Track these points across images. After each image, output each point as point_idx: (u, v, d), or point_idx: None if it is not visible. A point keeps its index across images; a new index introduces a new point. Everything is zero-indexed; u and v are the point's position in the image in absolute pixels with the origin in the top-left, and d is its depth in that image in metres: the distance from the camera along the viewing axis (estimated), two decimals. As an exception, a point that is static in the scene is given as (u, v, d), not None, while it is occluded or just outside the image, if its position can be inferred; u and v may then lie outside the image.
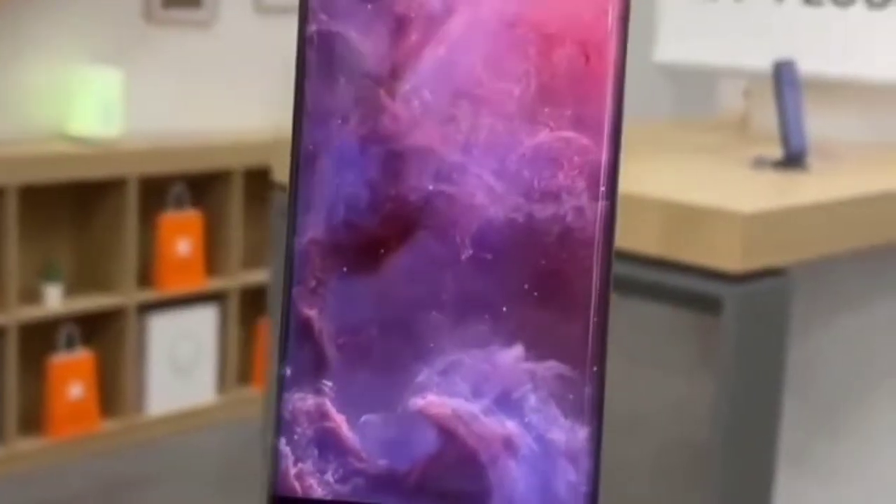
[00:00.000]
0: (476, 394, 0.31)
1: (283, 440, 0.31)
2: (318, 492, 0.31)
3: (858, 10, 2.19)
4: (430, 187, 0.32)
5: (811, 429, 2.20)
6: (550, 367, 0.31)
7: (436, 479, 0.31)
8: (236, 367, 3.65)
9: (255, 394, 3.61)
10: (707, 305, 1.56)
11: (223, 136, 3.59)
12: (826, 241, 1.63)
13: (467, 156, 0.32)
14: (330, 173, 0.32)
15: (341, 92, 0.33)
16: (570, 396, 0.31)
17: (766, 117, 2.30)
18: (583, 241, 0.31)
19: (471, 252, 0.31)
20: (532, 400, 0.31)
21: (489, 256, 0.31)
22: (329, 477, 0.31)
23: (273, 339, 2.23)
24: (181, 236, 3.45)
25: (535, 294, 0.31)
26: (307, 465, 0.31)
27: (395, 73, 0.32)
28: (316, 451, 0.31)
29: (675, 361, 3.86)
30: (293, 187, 0.33)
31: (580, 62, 0.31)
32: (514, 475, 0.31)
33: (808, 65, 2.16)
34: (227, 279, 3.56)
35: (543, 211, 0.31)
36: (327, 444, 0.31)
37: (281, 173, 2.05)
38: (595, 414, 0.31)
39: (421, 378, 0.31)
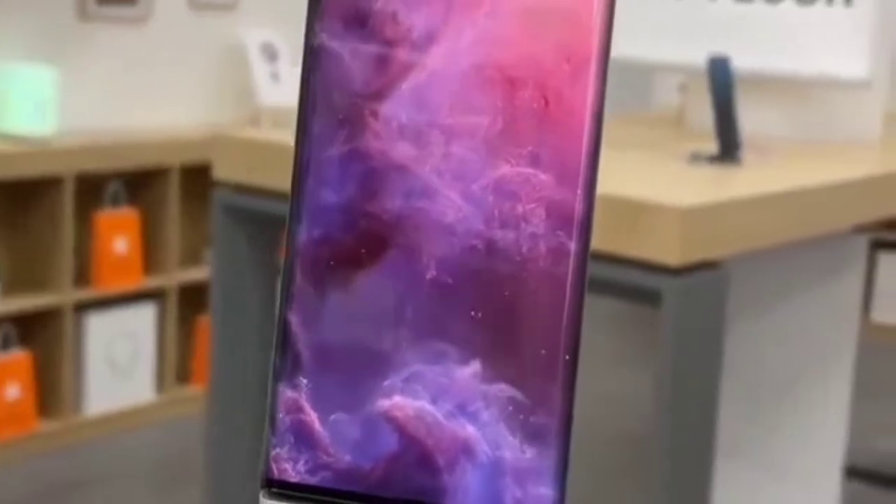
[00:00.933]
0: (435, 401, 0.33)
1: (268, 423, 0.34)
2: (292, 476, 0.33)
3: (788, 6, 2.23)
4: (403, 208, 0.33)
5: (748, 418, 2.24)
6: (502, 390, 0.32)
7: (397, 478, 0.33)
8: (175, 365, 3.63)
9: (195, 392, 3.59)
10: (647, 299, 1.58)
11: (159, 133, 3.56)
12: (761, 233, 1.66)
13: (438, 181, 0.33)
14: (315, 187, 0.34)
15: (333, 108, 0.34)
16: (521, 417, 0.33)
17: (702, 112, 2.34)
18: (538, 274, 0.33)
19: (434, 273, 0.33)
20: (485, 416, 0.33)
21: (450, 280, 0.33)
22: (300, 466, 0.33)
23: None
24: (118, 234, 3.42)
25: (490, 319, 0.33)
26: (283, 451, 0.33)
27: (379, 95, 0.34)
28: (291, 439, 0.33)
29: (613, 354, 3.90)
30: (290, 198, 0.35)
31: (540, 105, 0.33)
32: (470, 481, 0.32)
33: (742, 61, 2.20)
34: (165, 277, 3.53)
35: (502, 241, 0.33)
36: (301, 435, 0.33)
37: (221, 170, 2.04)
38: (554, 439, 0.33)
39: (387, 383, 0.33)
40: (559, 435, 0.33)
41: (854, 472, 2.98)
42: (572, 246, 0.33)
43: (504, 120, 0.33)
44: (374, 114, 0.34)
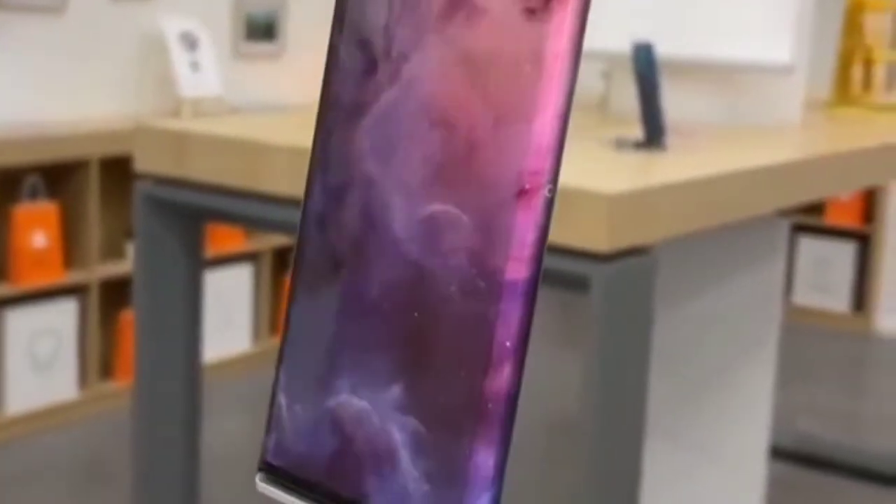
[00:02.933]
0: (373, 407, 0.34)
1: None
2: (269, 457, 0.35)
3: (711, -8, 2.24)
4: (362, 225, 0.34)
5: (676, 401, 2.26)
6: (409, 422, 0.33)
7: (336, 474, 0.34)
8: (98, 361, 3.57)
9: (118, 388, 3.54)
10: (575, 285, 1.58)
11: (77, 125, 3.50)
12: (688, 218, 1.67)
13: (393, 203, 0.34)
14: (308, 195, 0.36)
15: (332, 113, 0.35)
16: (423, 452, 0.33)
17: (626, 98, 2.35)
18: (456, 316, 0.33)
19: (377, 293, 0.34)
20: (399, 440, 0.33)
21: (386, 305, 0.33)
22: (272, 447, 0.35)
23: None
24: (37, 229, 3.36)
25: (412, 351, 0.33)
26: (269, 434, 0.36)
27: (361, 108, 0.35)
28: (272, 422, 0.36)
29: (542, 340, 3.92)
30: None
31: (469, 152, 0.33)
32: (393, 489, 0.33)
33: (665, 47, 2.21)
34: (86, 272, 3.47)
35: (433, 273, 0.33)
36: (276, 419, 0.35)
37: (143, 161, 2.00)
38: (457, 483, 0.32)
39: (338, 381, 0.35)
40: (462, 480, 0.32)
41: (778, 453, 3.02)
42: (494, 295, 0.32)
43: (444, 158, 0.33)
44: (355, 126, 0.35)
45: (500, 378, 0.32)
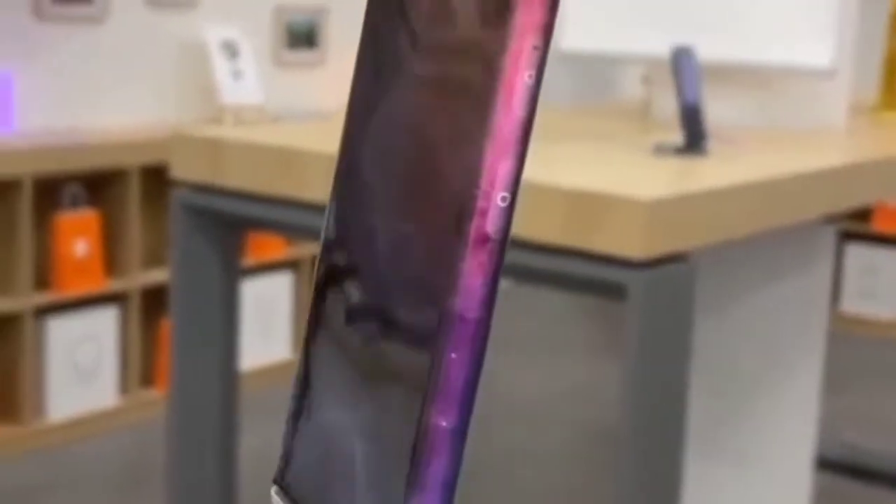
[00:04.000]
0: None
1: None
2: (277, 474, 0.36)
3: (753, -5, 2.21)
4: (351, 236, 0.34)
5: (718, 412, 2.22)
6: (367, 447, 0.33)
7: (309, 487, 0.35)
8: (139, 369, 3.58)
9: (158, 396, 3.55)
10: (611, 293, 1.55)
11: (119, 133, 3.51)
12: (728, 225, 1.63)
13: (373, 219, 0.34)
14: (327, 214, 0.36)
15: (349, 115, 0.35)
16: (375, 476, 0.33)
17: (666, 103, 2.32)
18: (401, 350, 0.32)
19: (344, 319, 0.34)
20: (358, 462, 0.33)
21: (353, 331, 0.33)
22: (281, 463, 0.36)
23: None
24: (78, 237, 3.37)
25: (369, 378, 0.33)
26: (282, 448, 0.37)
27: (369, 113, 0.34)
28: (283, 439, 0.37)
29: (587, 345, 3.88)
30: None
31: (423, 171, 0.32)
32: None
33: (706, 51, 2.17)
34: (126, 280, 3.48)
35: (393, 303, 0.32)
36: (284, 436, 0.37)
37: (179, 169, 2.00)
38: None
39: (314, 408, 0.35)
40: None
41: (824, 464, 2.97)
42: (441, 333, 0.31)
43: (407, 176, 0.32)
44: (363, 131, 0.34)
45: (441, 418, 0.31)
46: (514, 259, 1.59)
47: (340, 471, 0.33)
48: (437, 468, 0.31)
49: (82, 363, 3.42)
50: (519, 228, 1.57)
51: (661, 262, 1.52)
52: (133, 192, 3.44)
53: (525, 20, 0.29)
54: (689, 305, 1.57)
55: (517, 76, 0.30)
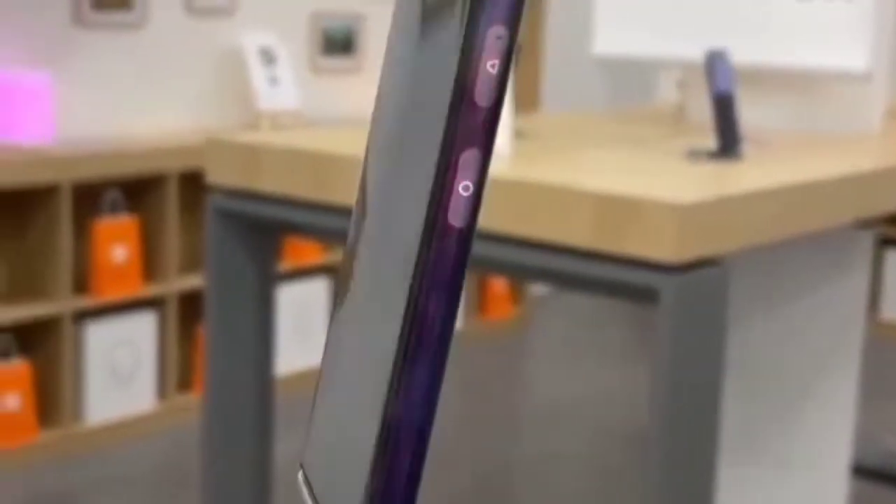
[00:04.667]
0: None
1: None
2: (303, 459, 0.39)
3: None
4: (354, 235, 0.36)
5: (754, 417, 2.21)
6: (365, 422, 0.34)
7: (317, 467, 0.36)
8: (176, 373, 3.61)
9: (196, 400, 3.57)
10: (644, 296, 1.55)
11: (157, 139, 3.54)
12: (761, 229, 1.63)
13: (368, 212, 0.35)
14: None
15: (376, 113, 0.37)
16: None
17: (701, 107, 2.31)
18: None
19: (347, 317, 0.35)
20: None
21: (356, 329, 0.34)
22: (305, 450, 0.39)
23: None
24: (117, 242, 3.40)
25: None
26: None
27: (377, 110, 0.36)
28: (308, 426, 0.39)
29: (614, 352, 3.86)
30: None
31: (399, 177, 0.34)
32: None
33: (742, 55, 2.17)
34: (164, 285, 3.51)
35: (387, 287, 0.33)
36: (308, 424, 0.39)
37: (215, 174, 2.01)
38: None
39: (325, 398, 0.37)
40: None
41: (861, 471, 2.94)
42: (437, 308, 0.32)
43: (388, 175, 0.34)
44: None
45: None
46: (548, 263, 1.59)
47: (341, 451, 0.33)
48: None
49: (120, 368, 3.45)
50: (551, 232, 1.57)
51: (693, 266, 1.52)
52: (171, 198, 3.47)
53: (488, 10, 0.29)
54: (722, 309, 1.57)
55: (479, 65, 0.30)
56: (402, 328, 0.31)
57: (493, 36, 0.29)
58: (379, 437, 0.31)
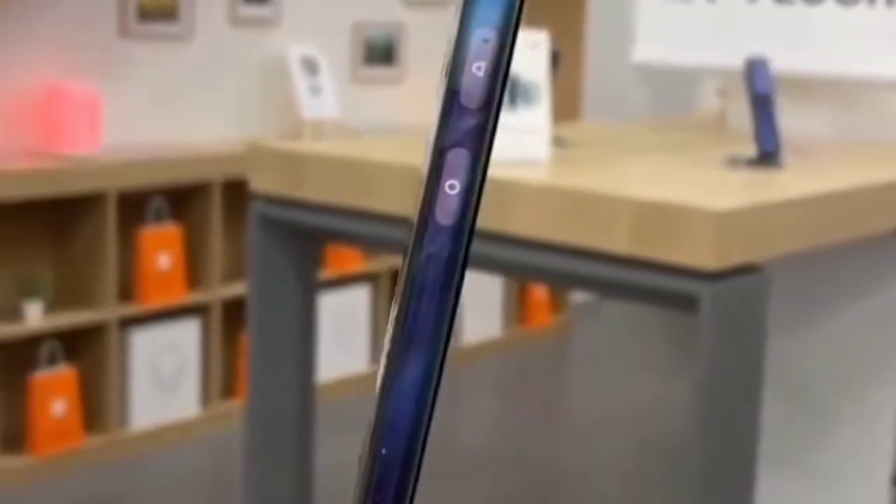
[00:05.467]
0: None
1: None
2: None
3: (830, 7, 2.19)
4: None
5: (793, 427, 2.20)
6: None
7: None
8: (219, 380, 3.64)
9: (239, 407, 3.60)
10: (683, 304, 1.55)
11: (201, 148, 3.58)
12: (800, 236, 1.62)
13: None
14: None
15: None
16: None
17: (742, 115, 2.31)
18: None
19: None
20: None
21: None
22: None
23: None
24: (161, 250, 3.44)
25: None
26: None
27: None
28: None
29: (653, 361, 3.85)
30: None
31: None
32: None
33: (781, 62, 2.16)
34: (208, 292, 3.54)
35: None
36: None
37: (257, 182, 2.04)
38: None
39: None
40: None
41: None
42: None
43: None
44: None
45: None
46: (586, 270, 1.60)
47: None
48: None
49: (164, 374, 3.49)
50: (590, 239, 1.57)
51: (733, 272, 1.52)
52: (215, 207, 3.50)
53: (475, 13, 0.30)
54: (762, 316, 1.57)
55: (465, 67, 0.30)
56: (395, 328, 0.31)
57: (480, 39, 0.30)
58: (370, 438, 0.31)
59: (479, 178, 0.31)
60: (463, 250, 0.31)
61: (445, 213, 0.31)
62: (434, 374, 0.31)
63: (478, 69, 0.30)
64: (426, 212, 0.31)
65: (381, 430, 0.31)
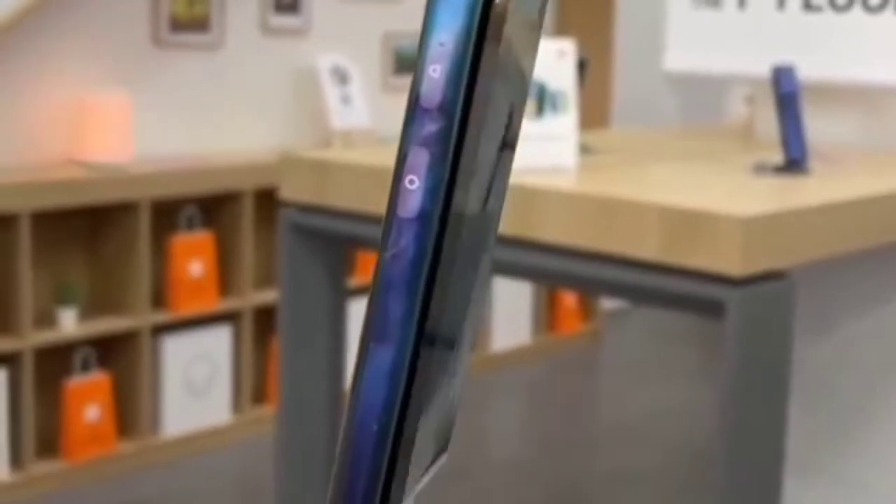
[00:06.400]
0: None
1: None
2: None
3: (857, 14, 2.20)
4: None
5: (821, 435, 2.20)
6: None
7: None
8: (251, 386, 3.66)
9: (270, 413, 3.62)
10: (710, 309, 1.56)
11: (233, 157, 3.61)
12: (826, 243, 1.63)
13: None
14: None
15: None
16: None
17: (769, 123, 2.31)
18: None
19: None
20: None
21: None
22: None
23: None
24: (194, 258, 3.47)
25: None
26: None
27: None
28: None
29: (683, 368, 3.84)
30: None
31: None
32: None
33: (809, 70, 2.17)
34: (240, 299, 3.57)
35: None
36: None
37: (288, 190, 2.06)
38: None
39: None
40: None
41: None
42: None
43: None
44: None
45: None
46: (613, 276, 1.61)
47: None
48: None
49: (196, 380, 3.52)
50: (616, 245, 1.59)
51: (759, 278, 1.53)
52: (247, 215, 3.53)
53: (434, 19, 0.31)
54: (789, 322, 1.57)
55: (424, 69, 0.32)
56: (364, 325, 0.32)
57: (436, 43, 0.31)
58: (341, 440, 0.32)
59: (444, 176, 0.31)
60: (429, 245, 0.32)
61: (406, 209, 0.32)
62: (402, 369, 0.32)
63: (433, 71, 0.31)
64: (390, 210, 0.32)
65: (349, 427, 0.32)
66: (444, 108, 0.32)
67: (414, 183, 0.32)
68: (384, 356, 0.32)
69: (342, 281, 2.16)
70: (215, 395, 3.57)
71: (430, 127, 0.32)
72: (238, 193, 3.52)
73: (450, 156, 0.32)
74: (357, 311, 3.88)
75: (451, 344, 0.34)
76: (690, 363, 4.53)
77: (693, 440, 3.71)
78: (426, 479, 0.38)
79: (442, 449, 0.39)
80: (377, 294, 0.32)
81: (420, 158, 0.32)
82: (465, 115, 0.32)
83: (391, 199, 0.32)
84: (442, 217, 0.32)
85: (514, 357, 4.43)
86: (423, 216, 0.32)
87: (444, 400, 0.36)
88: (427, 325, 0.32)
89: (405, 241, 0.32)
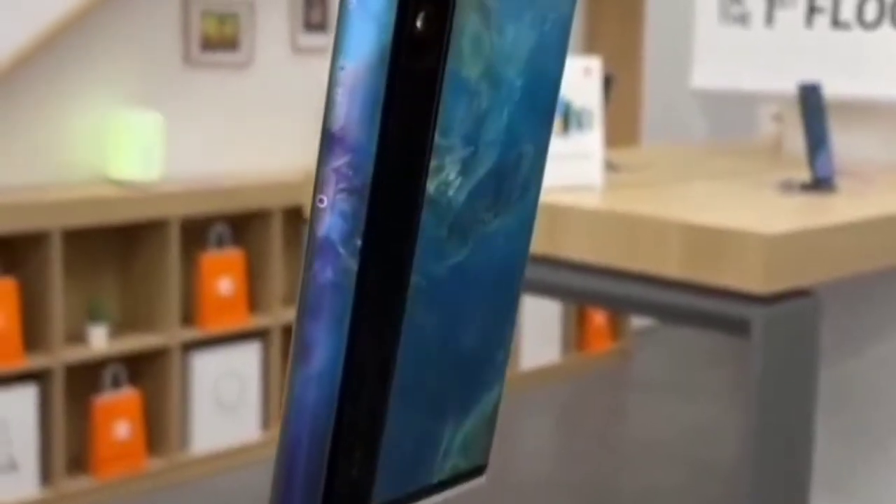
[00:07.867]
0: None
1: None
2: None
3: (886, 31, 2.19)
4: None
5: (850, 454, 2.18)
6: None
7: None
8: (280, 403, 3.67)
9: (299, 430, 3.63)
10: (735, 328, 1.56)
11: (262, 175, 3.63)
12: (852, 261, 1.62)
13: None
14: None
15: None
16: None
17: (798, 140, 2.30)
18: None
19: None
20: None
21: None
22: None
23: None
24: (223, 275, 3.49)
25: None
26: None
27: None
28: None
29: (711, 386, 3.82)
30: None
31: None
32: None
33: (838, 87, 2.16)
34: (269, 317, 3.59)
35: None
36: None
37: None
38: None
39: None
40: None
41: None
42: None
43: None
44: None
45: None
46: (639, 294, 1.61)
47: None
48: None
49: (225, 397, 3.53)
50: (641, 263, 1.59)
51: (784, 297, 1.52)
52: (276, 232, 3.55)
53: (337, 44, 0.32)
54: (814, 340, 1.57)
55: (330, 94, 0.32)
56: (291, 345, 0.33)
57: (338, 67, 0.32)
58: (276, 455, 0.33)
59: (357, 192, 0.32)
60: (351, 266, 0.32)
61: (319, 225, 0.33)
62: (326, 393, 0.32)
63: (336, 94, 0.32)
64: (308, 230, 0.33)
65: (281, 448, 0.33)
66: (350, 128, 0.32)
67: (323, 202, 0.33)
68: (305, 374, 0.33)
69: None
70: (244, 411, 3.58)
71: (336, 146, 0.33)
72: (267, 211, 3.54)
73: (361, 175, 0.32)
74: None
75: (388, 372, 0.34)
76: (719, 381, 4.51)
77: (722, 458, 3.68)
78: (445, 495, 0.38)
79: (475, 468, 0.39)
80: (298, 313, 0.33)
81: (327, 177, 0.33)
82: (384, 130, 0.32)
83: (310, 219, 0.33)
84: (366, 235, 0.32)
85: (544, 375, 4.42)
86: (333, 232, 0.33)
87: (444, 412, 0.36)
88: (356, 346, 0.33)
89: (322, 262, 0.33)
